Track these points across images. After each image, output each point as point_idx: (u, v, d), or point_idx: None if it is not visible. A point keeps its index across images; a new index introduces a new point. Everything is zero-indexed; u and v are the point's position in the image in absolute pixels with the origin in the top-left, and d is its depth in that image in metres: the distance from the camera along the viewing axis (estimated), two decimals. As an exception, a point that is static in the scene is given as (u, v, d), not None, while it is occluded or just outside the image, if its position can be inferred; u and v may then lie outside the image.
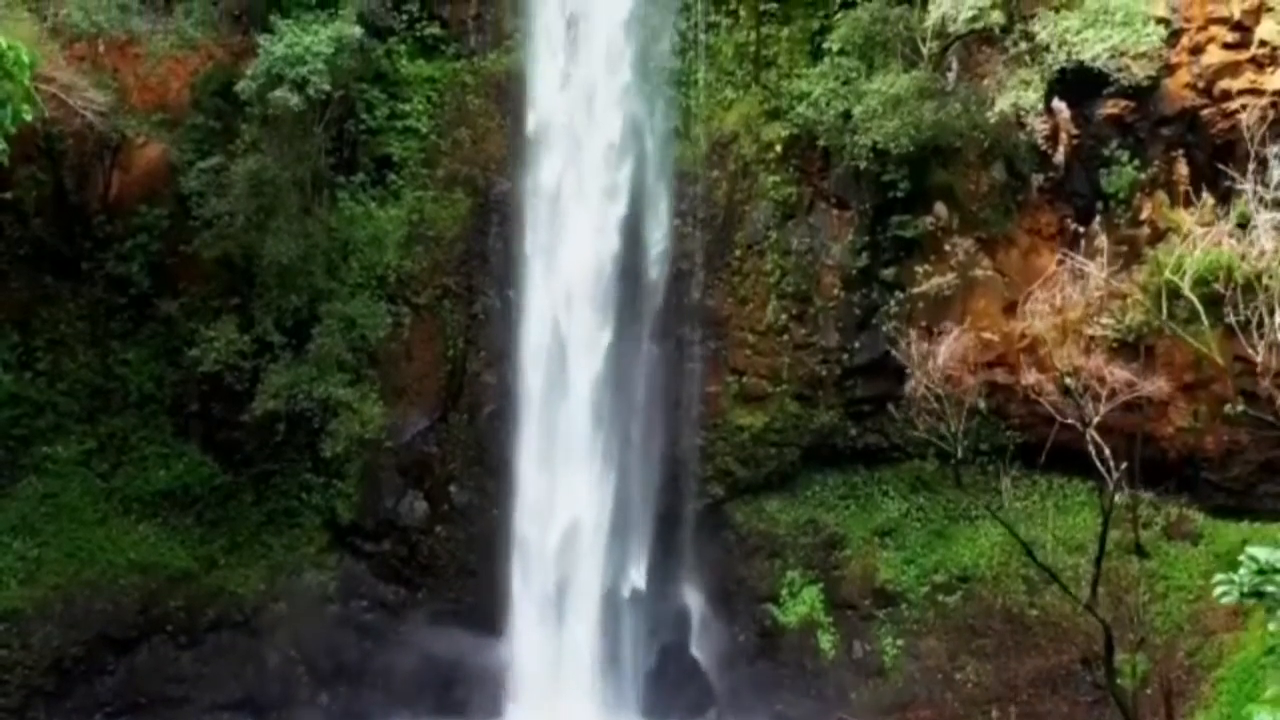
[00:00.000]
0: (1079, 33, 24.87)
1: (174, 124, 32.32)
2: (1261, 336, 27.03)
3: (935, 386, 25.23)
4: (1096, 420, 24.06)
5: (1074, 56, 25.36)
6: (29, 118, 10.08)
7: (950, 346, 25.22)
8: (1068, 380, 23.77)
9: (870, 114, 28.38)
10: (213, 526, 32.54)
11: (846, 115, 29.77)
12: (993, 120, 26.96)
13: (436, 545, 33.63)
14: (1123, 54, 24.81)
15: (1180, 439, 30.42)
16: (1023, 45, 26.36)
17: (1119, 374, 23.74)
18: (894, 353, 30.33)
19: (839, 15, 31.11)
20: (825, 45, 31.20)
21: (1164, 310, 28.71)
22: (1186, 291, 25.42)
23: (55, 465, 31.61)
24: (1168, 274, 28.33)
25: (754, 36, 32.97)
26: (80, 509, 31.32)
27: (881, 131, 28.25)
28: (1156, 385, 23.96)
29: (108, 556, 31.10)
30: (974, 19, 25.12)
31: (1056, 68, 26.04)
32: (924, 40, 29.46)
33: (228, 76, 32.45)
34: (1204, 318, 27.03)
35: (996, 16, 25.18)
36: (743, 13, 33.31)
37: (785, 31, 32.78)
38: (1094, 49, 24.80)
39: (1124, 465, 24.77)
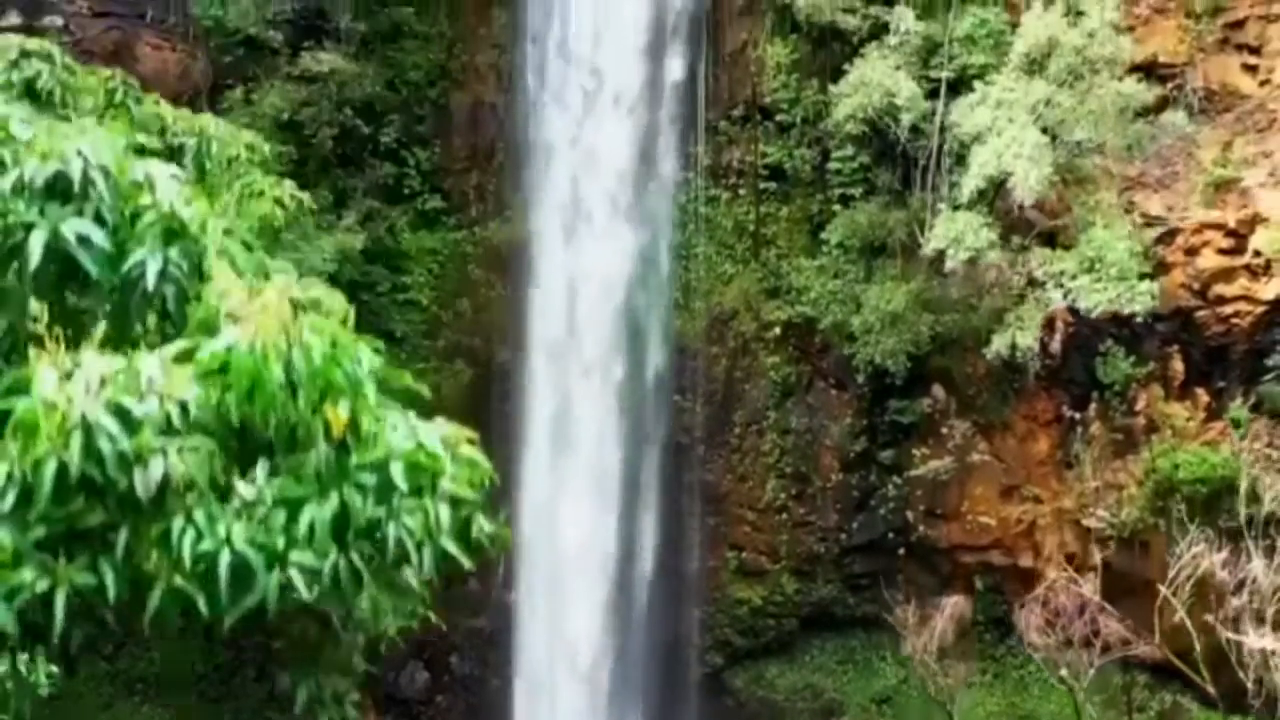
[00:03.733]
0: (1074, 277, 25.16)
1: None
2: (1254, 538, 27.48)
3: (933, 662, 25.51)
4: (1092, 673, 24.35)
5: (1069, 301, 25.66)
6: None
7: (948, 611, 25.47)
8: (1062, 673, 24.04)
9: (868, 328, 28.66)
10: (215, 704, 32.71)
11: (845, 313, 30.04)
12: (989, 355, 27.24)
13: (437, 716, 33.85)
14: (1117, 309, 25.09)
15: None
16: (1020, 268, 26.61)
17: (1113, 626, 23.99)
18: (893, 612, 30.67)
19: (836, 206, 31.37)
20: (824, 235, 31.40)
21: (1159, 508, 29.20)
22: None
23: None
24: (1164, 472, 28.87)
25: (753, 214, 33.23)
26: (85, 695, 31.47)
27: (879, 349, 28.55)
28: (1151, 647, 24.14)
29: (112, 744, 31.29)
30: (971, 259, 25.38)
31: (1052, 307, 26.35)
32: (921, 229, 29.82)
33: (230, 255, 32.75)
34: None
35: (994, 256, 25.44)
36: (742, 189, 33.56)
37: (784, 211, 33.04)
38: (1090, 299, 25.09)
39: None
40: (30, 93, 7.58)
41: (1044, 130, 25.95)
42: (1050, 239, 28.27)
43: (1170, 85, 29.54)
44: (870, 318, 28.44)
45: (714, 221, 33.78)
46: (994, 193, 25.80)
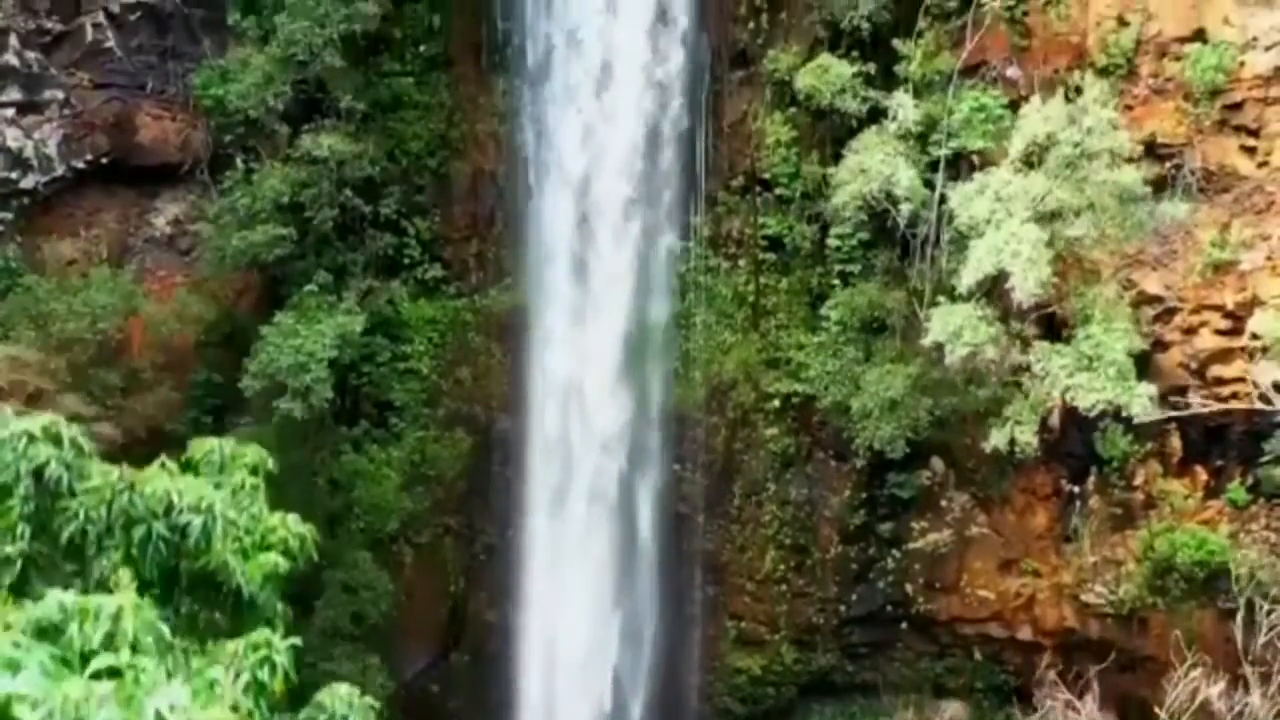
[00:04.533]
0: (1071, 374, 25.21)
1: (180, 368, 32.61)
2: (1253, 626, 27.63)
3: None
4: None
5: (1068, 399, 25.73)
6: None
7: (947, 716, 25.57)
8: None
9: (866, 413, 28.71)
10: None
11: (844, 394, 30.12)
12: (987, 449, 27.34)
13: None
14: (1117, 407, 25.17)
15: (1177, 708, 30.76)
16: (1019, 355, 26.66)
17: (1111, 722, 24.09)
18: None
19: (836, 282, 31.42)
20: (823, 311, 31.45)
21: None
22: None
23: None
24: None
25: (752, 284, 33.25)
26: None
27: (878, 435, 28.62)
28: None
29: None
30: (969, 355, 25.43)
31: (1050, 404, 26.41)
32: (920, 303, 29.89)
33: (231, 325, 32.95)
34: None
35: (991, 352, 25.47)
36: (741, 259, 33.57)
37: (783, 283, 33.02)
38: (1087, 398, 25.15)
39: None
40: (37, 477, 7.71)
41: (1043, 216, 25.95)
42: (1049, 320, 28.30)
43: (1169, 165, 29.52)
44: (869, 403, 28.49)
45: (713, 290, 33.80)
46: (992, 284, 25.84)
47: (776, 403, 32.56)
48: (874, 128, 28.98)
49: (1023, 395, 26.16)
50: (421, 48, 33.55)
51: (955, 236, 27.38)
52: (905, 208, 27.46)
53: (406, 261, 34.02)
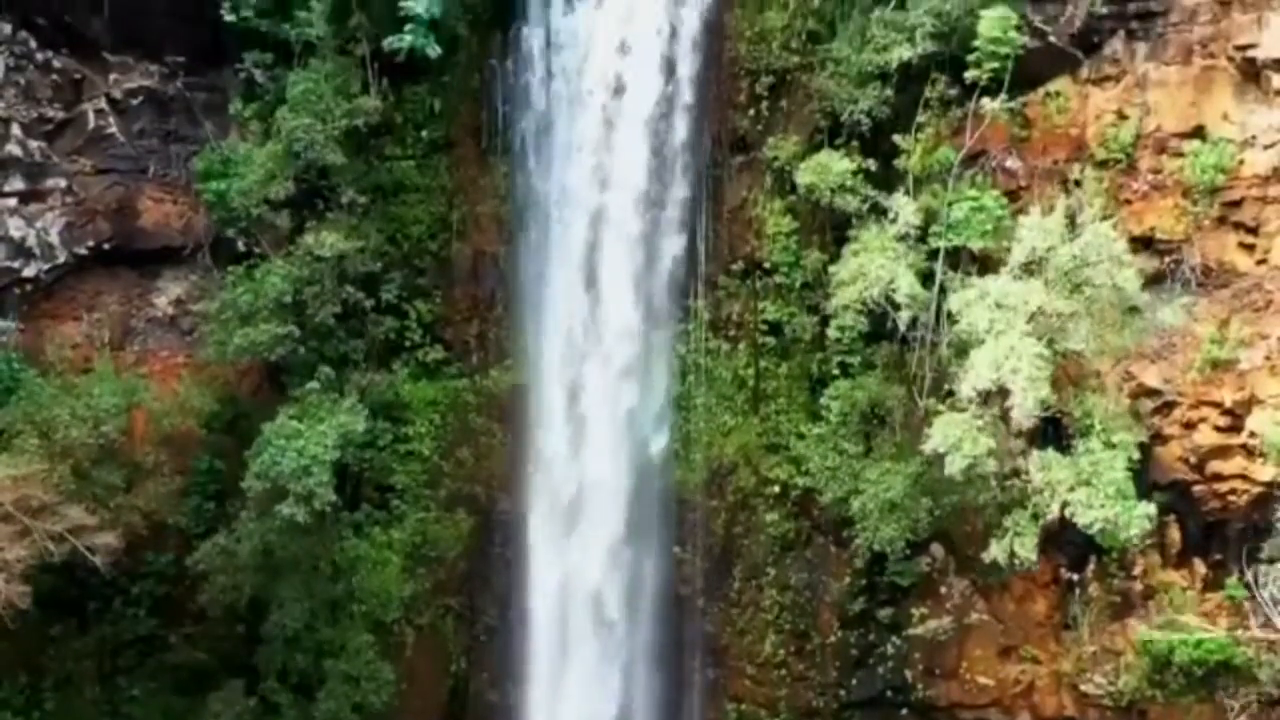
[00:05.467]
0: (1071, 489, 25.33)
1: (182, 456, 32.73)
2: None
3: None
4: None
5: (1067, 514, 25.84)
6: None
7: None
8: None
9: (865, 514, 28.82)
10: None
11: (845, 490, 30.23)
12: (987, 560, 27.45)
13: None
14: (1115, 527, 25.27)
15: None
16: (1019, 460, 26.79)
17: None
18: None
19: (836, 373, 31.50)
20: (823, 401, 31.52)
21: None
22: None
23: (66, 813, 32.01)
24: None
25: (753, 368, 33.33)
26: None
27: (879, 537, 28.74)
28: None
29: None
30: (968, 468, 25.53)
31: (1050, 516, 26.50)
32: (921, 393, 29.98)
33: (233, 411, 33.09)
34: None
35: (990, 465, 25.58)
36: (741, 343, 33.65)
37: (783, 368, 33.10)
38: (1087, 516, 25.27)
39: None
40: None
41: (1042, 324, 26.04)
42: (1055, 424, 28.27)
43: (1168, 260, 29.64)
44: (869, 503, 28.60)
45: (713, 373, 33.86)
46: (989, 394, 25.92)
47: (776, 488, 32.66)
48: (874, 226, 29.04)
49: (1022, 499, 26.21)
50: (423, 132, 33.65)
51: (955, 340, 27.47)
52: (905, 314, 27.56)
53: (407, 344, 34.11)
